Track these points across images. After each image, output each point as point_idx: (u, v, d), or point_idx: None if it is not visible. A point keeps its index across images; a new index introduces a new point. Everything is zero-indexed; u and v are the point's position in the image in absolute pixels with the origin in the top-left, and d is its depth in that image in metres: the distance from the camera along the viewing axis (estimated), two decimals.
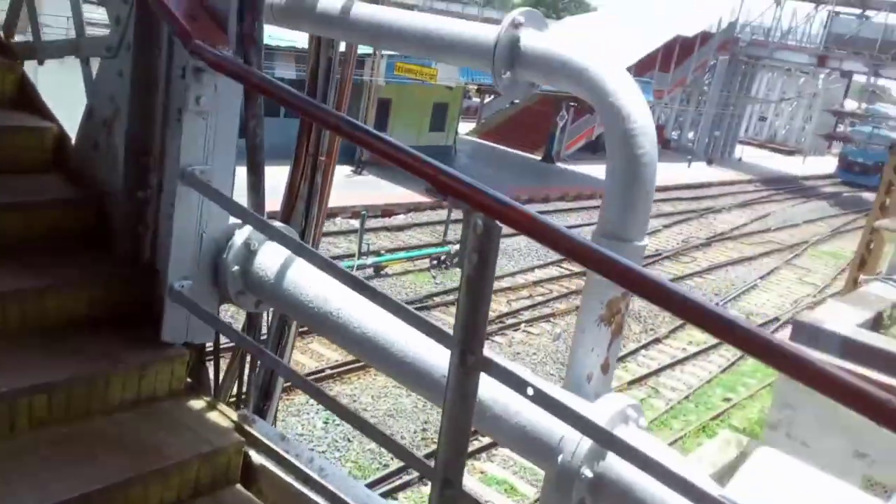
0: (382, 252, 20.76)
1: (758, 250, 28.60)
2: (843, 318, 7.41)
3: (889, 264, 9.49)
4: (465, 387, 1.71)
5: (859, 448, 6.96)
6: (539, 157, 37.55)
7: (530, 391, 1.63)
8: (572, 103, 35.28)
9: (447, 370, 1.74)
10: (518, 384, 1.66)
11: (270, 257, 2.49)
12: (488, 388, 1.81)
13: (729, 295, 22.51)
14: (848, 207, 42.35)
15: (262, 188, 2.66)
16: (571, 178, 34.78)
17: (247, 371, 2.92)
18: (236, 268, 2.52)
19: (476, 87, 31.25)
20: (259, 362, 3.06)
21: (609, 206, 2.02)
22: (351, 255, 19.62)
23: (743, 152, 54.93)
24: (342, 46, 2.95)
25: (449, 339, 1.74)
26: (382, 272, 19.82)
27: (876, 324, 7.86)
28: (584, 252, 1.50)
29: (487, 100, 41.46)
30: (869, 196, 47.55)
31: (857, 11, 49.45)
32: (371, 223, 22.91)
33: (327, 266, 2.14)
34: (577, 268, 22.32)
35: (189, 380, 2.64)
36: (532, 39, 2.13)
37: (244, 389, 2.88)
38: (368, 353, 2.14)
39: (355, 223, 21.00)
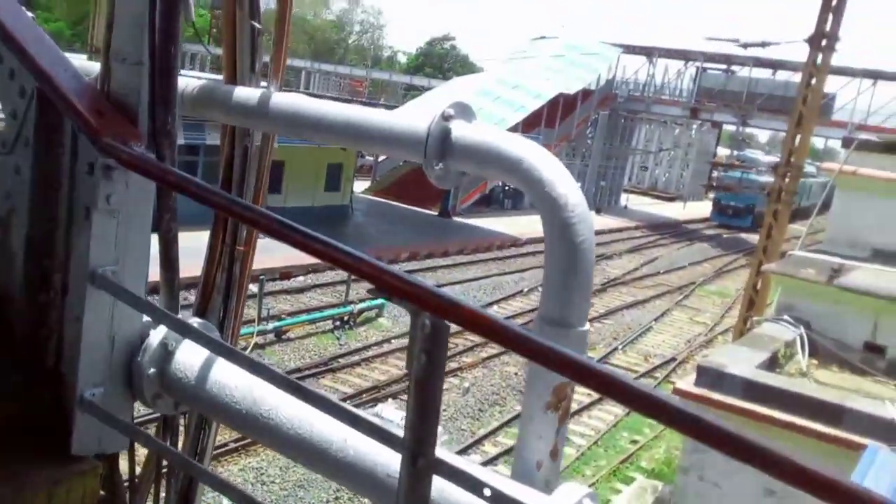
0: (283, 316, 20.31)
1: (649, 293, 29.67)
2: (742, 360, 7.71)
3: (777, 305, 10.00)
4: (416, 491, 1.64)
5: (769, 486, 7.19)
6: (435, 213, 37.95)
7: (487, 492, 1.57)
8: None
9: (395, 471, 1.66)
10: (474, 485, 1.60)
11: (190, 356, 2.35)
12: (442, 490, 1.74)
13: (627, 338, 23.15)
14: (728, 248, 44.70)
15: (177, 284, 2.53)
16: (468, 231, 35.29)
17: (164, 475, 2.73)
18: (153, 370, 2.36)
19: None
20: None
21: (550, 293, 2.00)
22: (251, 321, 19.08)
23: (628, 200, 57.36)
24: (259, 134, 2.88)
25: (398, 441, 1.67)
26: (284, 336, 19.36)
27: (772, 364, 8.23)
28: (529, 345, 1.48)
29: (381, 158, 41.78)
30: (746, 237, 50.48)
31: (723, 66, 53.11)
32: (270, 287, 22.41)
33: (250, 365, 2.04)
34: None
35: (103, 492, 2.44)
36: (463, 130, 2.12)
37: (162, 495, 2.68)
38: (307, 457, 2.02)
39: (254, 288, 20.52)
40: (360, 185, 40.98)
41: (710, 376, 7.37)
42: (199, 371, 2.34)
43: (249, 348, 17.96)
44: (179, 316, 2.45)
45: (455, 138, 2.07)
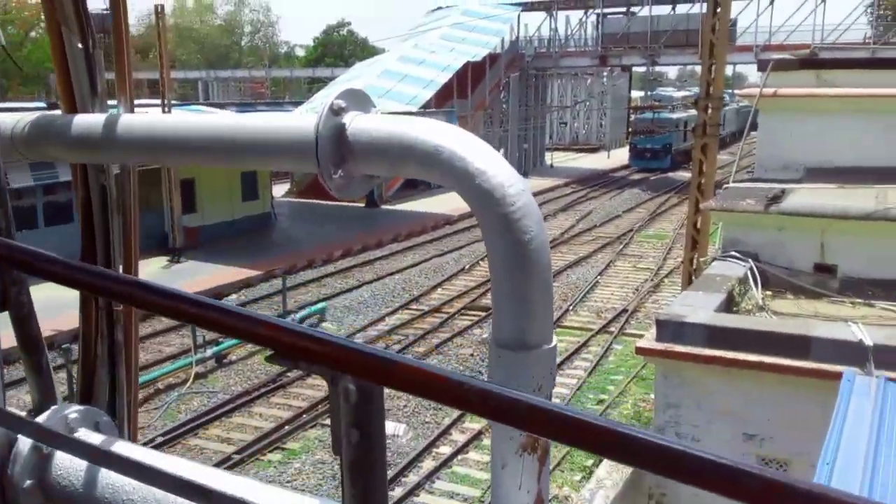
0: (221, 339, 19.49)
1: (590, 248, 29.72)
2: (699, 307, 7.49)
3: (722, 241, 9.84)
4: None
5: (747, 430, 7.00)
6: (363, 204, 37.28)
7: None
8: None
9: None
10: None
11: (72, 458, 1.84)
12: None
13: (576, 298, 23.08)
14: (659, 189, 45.26)
15: (46, 366, 2.00)
16: (399, 217, 34.75)
17: None
18: (28, 482, 1.84)
19: None
20: None
21: (501, 308, 1.54)
22: (187, 351, 18.27)
23: (553, 158, 57.56)
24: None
25: None
26: (226, 360, 18.58)
27: (729, 304, 8.05)
28: (489, 402, 1.04)
29: None
30: (677, 175, 51.20)
31: (623, 9, 53.47)
32: None
33: (138, 472, 1.54)
34: (426, 306, 22.13)
35: None
36: (360, 124, 1.64)
37: None
38: None
39: None
40: (280, 189, 39.98)
41: (671, 328, 7.12)
42: (87, 473, 1.84)
43: (190, 381, 17.19)
44: (56, 406, 1.96)
45: (352, 135, 1.59)
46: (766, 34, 46.08)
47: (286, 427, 15.05)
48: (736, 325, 6.98)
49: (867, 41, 42.61)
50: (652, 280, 25.06)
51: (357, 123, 1.60)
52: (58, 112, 2.30)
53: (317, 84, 64.94)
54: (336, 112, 1.62)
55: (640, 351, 7.23)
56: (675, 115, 54.12)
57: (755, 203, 9.16)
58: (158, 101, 23.91)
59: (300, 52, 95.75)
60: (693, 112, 54.64)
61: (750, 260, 9.01)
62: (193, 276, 23.81)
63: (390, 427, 14.95)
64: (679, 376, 7.22)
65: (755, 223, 9.25)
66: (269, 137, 1.75)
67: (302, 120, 1.66)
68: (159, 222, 26.86)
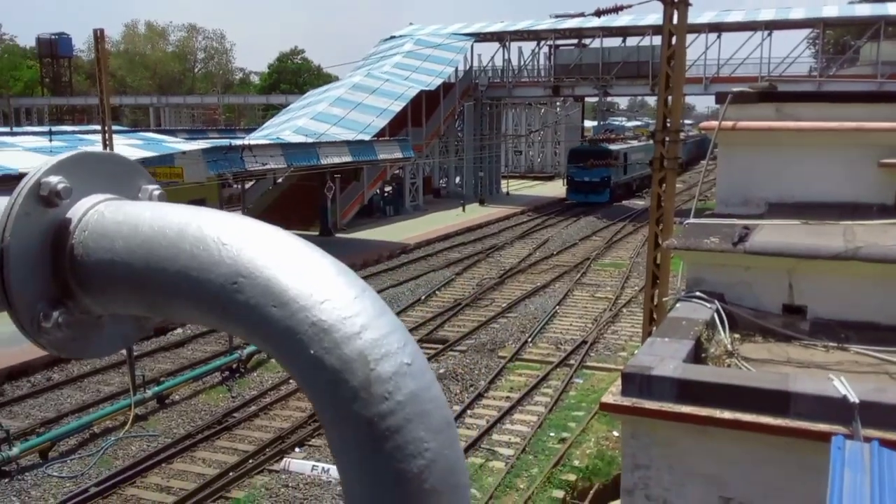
0: (163, 378, 18.47)
1: (547, 277, 29.33)
2: (666, 356, 6.95)
3: (686, 281, 9.36)
4: None
5: (724, 493, 6.44)
6: (316, 232, 36.44)
7: None
8: (336, 174, 34.71)
9: None
10: None
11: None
12: None
13: (534, 329, 22.55)
14: (614, 217, 45.26)
15: None
16: (354, 246, 34.00)
17: None
18: None
19: (232, 174, 29.56)
20: None
21: None
22: (125, 392, 17.23)
23: (509, 186, 57.44)
24: None
25: None
26: (168, 401, 17.56)
27: (698, 351, 7.52)
28: None
29: (249, 184, 39.78)
30: (633, 203, 51.31)
31: (575, 41, 53.99)
32: (145, 346, 20.50)
33: None
34: None
35: None
36: (97, 220, 0.90)
37: None
38: None
39: (123, 351, 18.55)
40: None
41: (637, 383, 6.53)
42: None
43: (129, 423, 16.14)
44: None
45: (81, 243, 0.88)
46: (713, 66, 46.83)
47: (231, 473, 14.14)
48: (708, 379, 6.45)
49: (812, 74, 43.51)
50: (611, 310, 24.70)
51: (93, 221, 0.90)
52: None
53: (271, 110, 64.09)
54: (47, 199, 0.89)
55: (604, 407, 6.63)
56: (613, 147, 51.72)
57: (720, 241, 8.70)
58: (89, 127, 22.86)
59: (255, 79, 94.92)
60: (634, 143, 54.67)
61: (716, 301, 8.52)
62: None
63: (305, 465, 14.15)
64: (648, 435, 6.65)
65: (720, 262, 8.80)
66: None
67: None
68: None
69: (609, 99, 56.38)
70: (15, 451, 14.09)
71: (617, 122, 67.10)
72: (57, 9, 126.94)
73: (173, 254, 0.83)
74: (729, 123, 10.45)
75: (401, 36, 56.71)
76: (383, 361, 0.73)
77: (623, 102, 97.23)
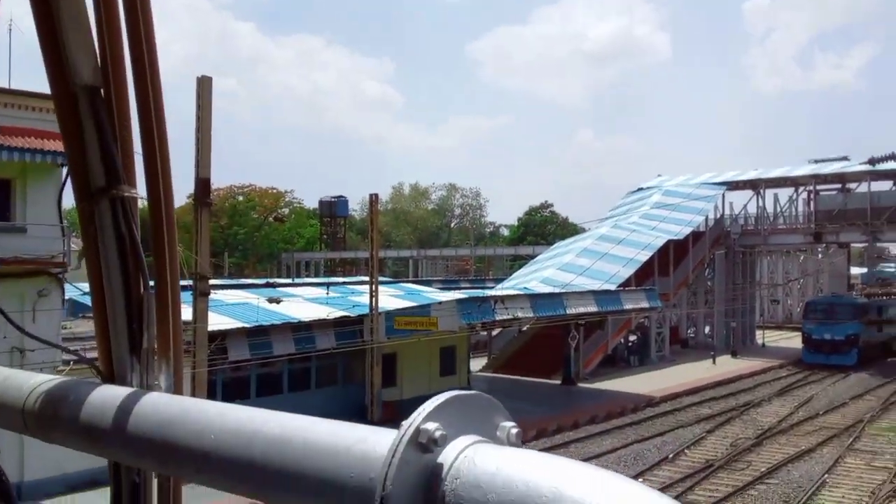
0: None
1: (813, 440, 26.58)
2: None
3: None
4: None
5: None
6: (559, 381, 36.44)
7: None
8: (580, 322, 34.91)
9: None
10: None
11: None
12: None
13: (799, 499, 20.36)
14: (890, 375, 40.42)
15: None
16: (597, 396, 33.43)
17: None
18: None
19: (481, 323, 30.93)
20: None
21: None
22: None
23: (764, 337, 53.86)
24: None
25: None
26: None
27: None
28: None
29: (496, 332, 41.16)
30: None
31: (838, 186, 51.17)
32: None
33: None
34: None
35: None
36: (471, 469, 0.92)
37: None
38: None
39: None
40: (477, 363, 40.18)
41: None
42: None
43: None
44: None
45: (453, 492, 0.90)
46: None
47: None
48: None
49: None
50: (892, 482, 21.69)
51: (464, 468, 0.91)
52: (84, 380, 1.66)
53: (518, 261, 66.62)
54: (425, 445, 0.92)
55: None
56: (861, 300, 45.39)
57: None
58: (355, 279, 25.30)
59: (504, 232, 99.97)
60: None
61: None
62: None
63: None
64: None
65: None
66: (309, 470, 1.06)
67: (368, 446, 0.99)
68: (359, 395, 27.67)
69: (879, 245, 51.89)
70: None
71: (890, 269, 61.03)
72: (338, 174, 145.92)
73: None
74: None
75: (649, 187, 57.24)
76: None
77: (894, 248, 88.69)
